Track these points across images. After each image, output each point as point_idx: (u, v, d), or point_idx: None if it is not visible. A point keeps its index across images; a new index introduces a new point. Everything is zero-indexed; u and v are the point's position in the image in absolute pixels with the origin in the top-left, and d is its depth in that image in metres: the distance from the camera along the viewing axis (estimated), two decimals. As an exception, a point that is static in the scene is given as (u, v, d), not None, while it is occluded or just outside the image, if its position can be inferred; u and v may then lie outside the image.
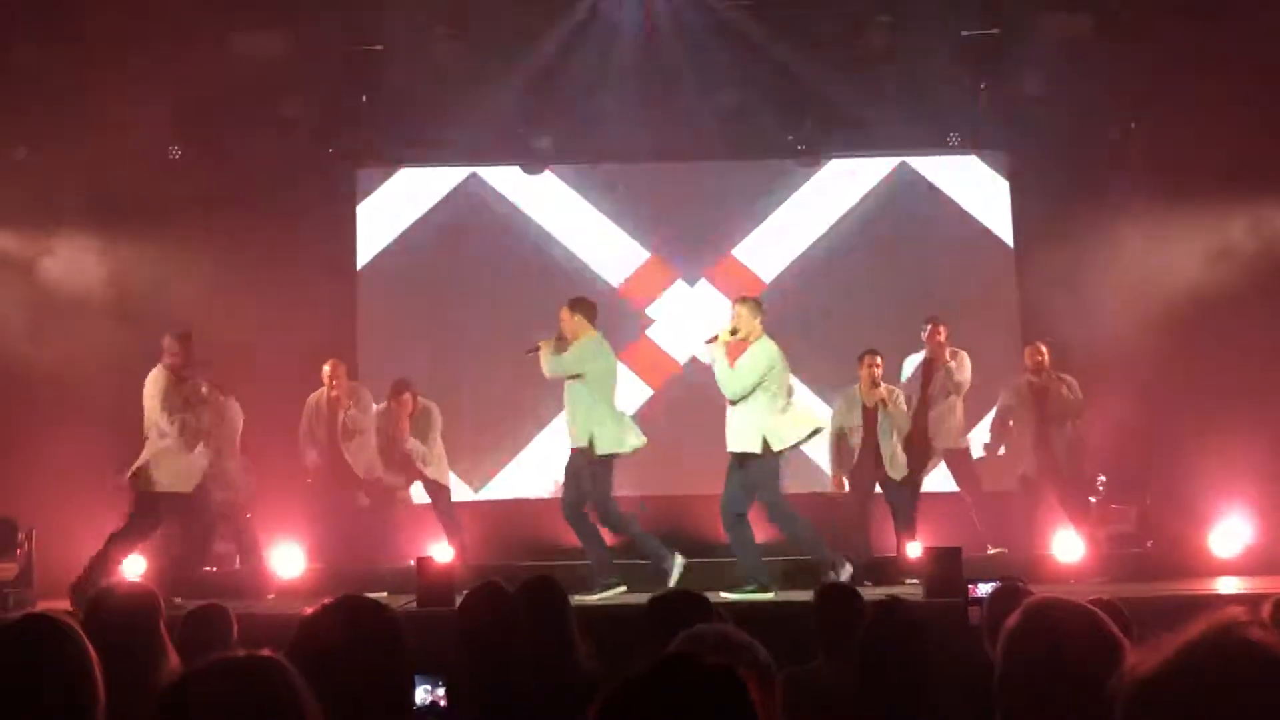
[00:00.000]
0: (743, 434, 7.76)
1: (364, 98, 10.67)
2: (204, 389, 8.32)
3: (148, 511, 8.10)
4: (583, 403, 7.87)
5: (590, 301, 8.23)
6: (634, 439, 7.96)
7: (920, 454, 9.31)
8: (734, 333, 7.88)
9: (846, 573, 7.62)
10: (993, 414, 9.75)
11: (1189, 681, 1.47)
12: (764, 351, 7.82)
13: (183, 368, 8.25)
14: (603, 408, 7.90)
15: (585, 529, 7.92)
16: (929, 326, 9.47)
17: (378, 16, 10.12)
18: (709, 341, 7.89)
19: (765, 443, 7.72)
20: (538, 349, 7.96)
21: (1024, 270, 11.01)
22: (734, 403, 7.78)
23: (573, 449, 7.98)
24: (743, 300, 8.10)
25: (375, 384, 9.89)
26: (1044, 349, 9.39)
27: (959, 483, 9.67)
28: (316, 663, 2.22)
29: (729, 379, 7.75)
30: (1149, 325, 9.90)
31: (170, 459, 8.13)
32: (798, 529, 7.85)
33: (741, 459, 7.79)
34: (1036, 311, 10.64)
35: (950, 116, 10.82)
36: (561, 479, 8.20)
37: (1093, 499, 9.78)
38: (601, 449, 7.81)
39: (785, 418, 7.81)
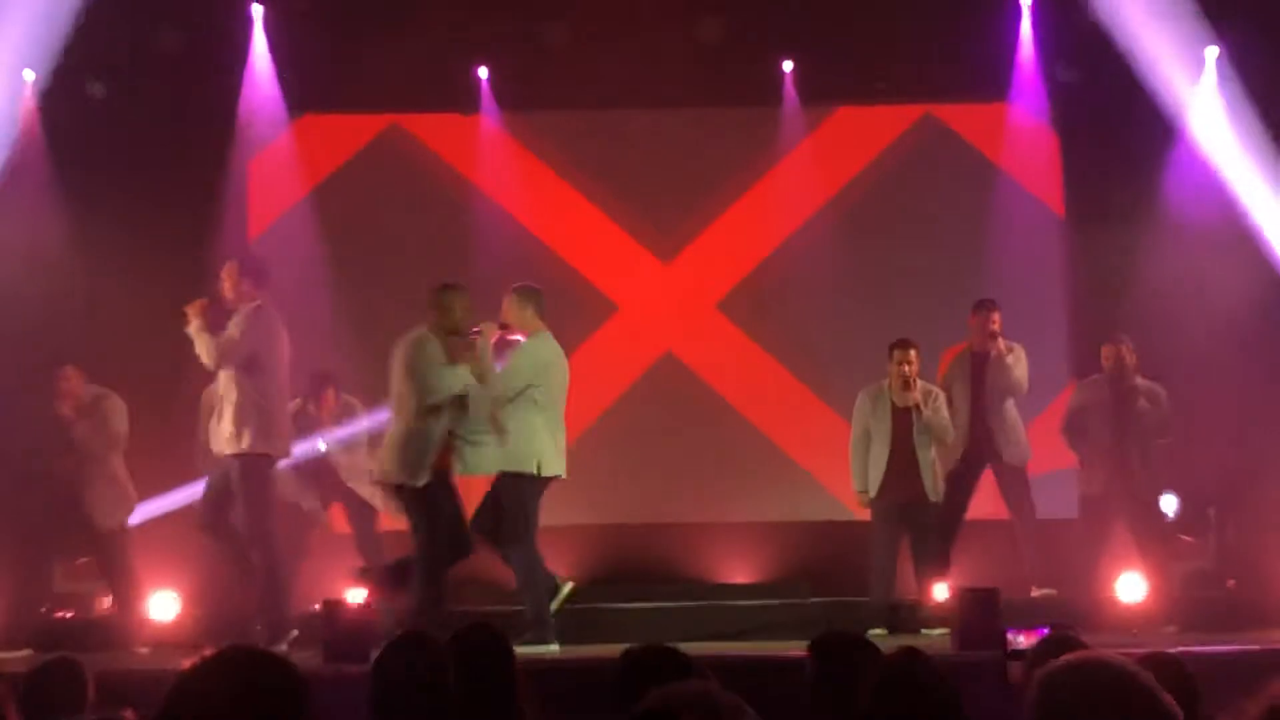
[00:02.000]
0: (508, 449, 7.87)
1: (256, 10, 10.59)
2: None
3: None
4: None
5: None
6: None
7: (968, 472, 9.37)
8: (503, 327, 7.97)
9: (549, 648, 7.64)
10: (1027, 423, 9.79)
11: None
12: (535, 350, 7.94)
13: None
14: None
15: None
16: (980, 313, 9.39)
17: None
18: (473, 334, 7.87)
19: (530, 463, 7.83)
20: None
21: (1077, 246, 11.02)
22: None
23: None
24: (514, 289, 8.14)
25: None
26: (1126, 349, 9.34)
27: (1010, 506, 9.58)
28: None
29: (490, 380, 7.82)
30: (1234, 315, 9.93)
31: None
32: (536, 579, 7.89)
33: (503, 479, 7.90)
34: (1091, 297, 10.69)
35: (985, 53, 10.81)
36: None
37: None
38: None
39: (556, 440, 7.94)
